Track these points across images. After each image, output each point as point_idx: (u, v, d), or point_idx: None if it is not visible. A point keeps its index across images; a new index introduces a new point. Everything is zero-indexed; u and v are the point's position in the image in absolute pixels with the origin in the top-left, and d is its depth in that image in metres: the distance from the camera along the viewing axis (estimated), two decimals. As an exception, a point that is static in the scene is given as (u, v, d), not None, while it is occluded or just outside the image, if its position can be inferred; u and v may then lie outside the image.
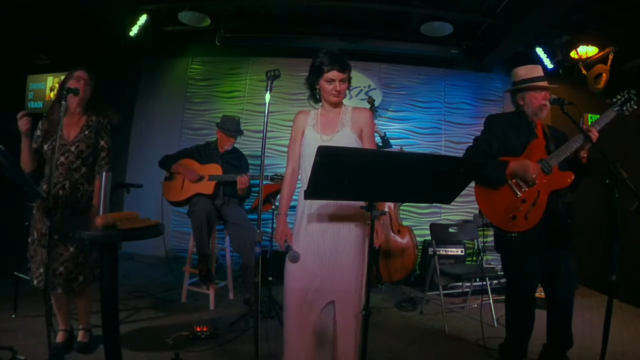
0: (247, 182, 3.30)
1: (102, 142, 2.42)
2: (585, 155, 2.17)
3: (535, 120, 2.29)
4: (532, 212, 2.16)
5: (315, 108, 2.08)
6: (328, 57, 1.90)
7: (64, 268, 2.24)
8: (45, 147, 2.30)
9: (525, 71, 2.30)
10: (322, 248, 1.89)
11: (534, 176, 2.14)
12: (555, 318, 2.25)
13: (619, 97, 2.15)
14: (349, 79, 1.97)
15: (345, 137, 1.94)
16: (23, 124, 2.20)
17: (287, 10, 4.60)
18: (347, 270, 1.90)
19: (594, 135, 2.09)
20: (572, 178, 2.17)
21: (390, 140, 4.42)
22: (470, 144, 2.38)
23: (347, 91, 2.01)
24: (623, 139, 3.59)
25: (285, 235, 1.95)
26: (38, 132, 2.33)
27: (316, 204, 1.91)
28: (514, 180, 2.21)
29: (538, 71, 2.29)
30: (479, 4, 4.11)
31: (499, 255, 2.44)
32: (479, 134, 2.42)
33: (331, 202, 1.90)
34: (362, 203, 1.94)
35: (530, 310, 2.27)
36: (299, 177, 2.05)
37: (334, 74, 1.89)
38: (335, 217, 1.91)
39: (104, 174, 1.99)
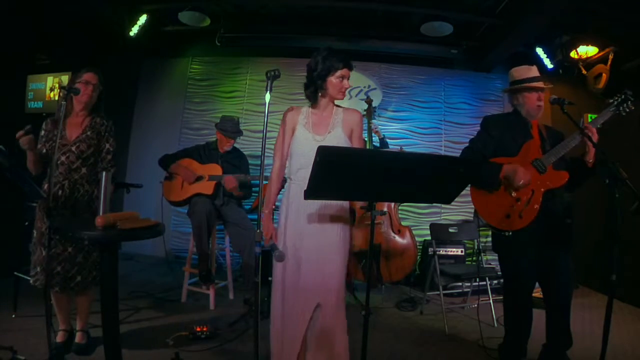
0: (235, 181, 3.30)
1: (107, 145, 2.42)
2: (591, 160, 2.15)
3: (530, 120, 2.29)
4: (526, 211, 2.16)
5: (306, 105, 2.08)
6: (338, 55, 1.93)
7: (62, 267, 2.24)
8: (47, 147, 2.31)
9: (520, 72, 2.31)
10: (310, 247, 1.90)
11: (520, 183, 2.13)
12: (554, 318, 2.25)
13: (616, 97, 2.16)
14: None
15: (337, 138, 1.96)
16: (24, 142, 2.18)
17: (287, 10, 4.60)
18: (332, 269, 1.91)
19: (593, 134, 2.08)
20: (567, 178, 2.18)
21: (391, 140, 4.41)
22: (467, 145, 2.38)
23: (346, 91, 2.03)
24: (623, 139, 3.59)
25: (270, 233, 1.97)
26: (42, 133, 2.34)
27: (304, 203, 1.89)
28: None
29: (533, 72, 2.30)
30: (479, 4, 4.11)
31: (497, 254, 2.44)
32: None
33: (318, 201, 1.90)
34: (347, 203, 1.95)
35: (527, 309, 2.27)
36: (285, 175, 2.05)
37: (345, 71, 1.93)
38: (321, 216, 1.92)
39: (103, 174, 1.98)
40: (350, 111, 2.04)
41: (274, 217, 2.14)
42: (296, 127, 1.99)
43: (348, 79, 1.96)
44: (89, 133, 2.35)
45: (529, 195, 2.17)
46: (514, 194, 2.18)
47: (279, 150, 2.04)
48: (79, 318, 2.43)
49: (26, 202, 2.88)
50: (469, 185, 2.26)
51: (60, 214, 2.24)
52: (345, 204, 1.99)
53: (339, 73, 1.91)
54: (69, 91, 2.22)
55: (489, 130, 2.32)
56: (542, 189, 2.17)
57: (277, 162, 2.05)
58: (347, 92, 2.03)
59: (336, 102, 2.04)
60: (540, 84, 2.26)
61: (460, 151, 2.42)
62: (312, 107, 2.02)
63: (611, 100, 2.18)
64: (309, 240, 1.90)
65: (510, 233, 2.18)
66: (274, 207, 2.07)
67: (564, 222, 2.28)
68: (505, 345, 2.37)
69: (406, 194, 1.84)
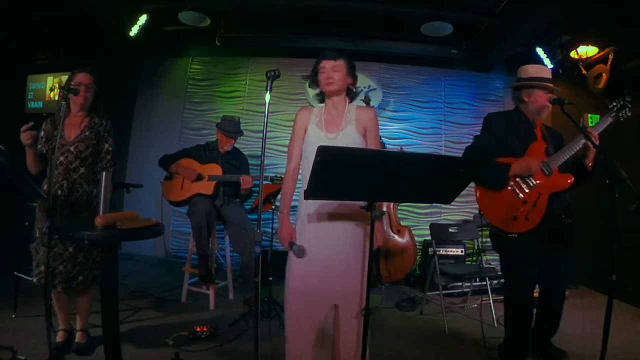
0: (251, 182, 3.32)
1: (106, 145, 2.42)
2: (590, 164, 2.17)
3: (535, 119, 2.29)
4: (532, 213, 2.16)
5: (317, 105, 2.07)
6: (322, 53, 1.96)
7: (63, 267, 2.24)
8: (46, 147, 2.31)
9: (535, 69, 2.31)
10: (327, 248, 1.87)
11: (536, 170, 2.15)
12: (547, 307, 2.31)
13: (615, 104, 2.18)
14: (351, 72, 1.97)
15: (349, 136, 1.93)
16: (26, 137, 2.18)
17: (287, 10, 4.60)
18: (350, 271, 1.88)
19: (595, 139, 2.09)
20: (572, 180, 2.18)
21: (391, 140, 4.42)
22: (469, 144, 2.38)
23: (353, 87, 2.01)
24: (623, 140, 3.59)
25: (289, 234, 1.93)
26: (42, 133, 2.34)
27: (319, 203, 1.89)
28: (515, 181, 2.21)
29: (547, 73, 2.32)
30: (479, 4, 4.11)
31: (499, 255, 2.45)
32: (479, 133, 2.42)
33: (334, 201, 1.89)
34: (362, 203, 1.94)
35: (528, 309, 2.27)
36: (300, 175, 2.03)
37: (324, 63, 1.93)
38: (338, 217, 1.90)
39: (103, 174, 1.98)
40: (364, 109, 2.03)
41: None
42: (308, 127, 1.97)
43: (335, 70, 1.92)
44: (87, 133, 2.35)
45: (535, 198, 2.17)
46: (521, 197, 2.19)
47: (292, 151, 2.01)
48: (79, 318, 2.43)
49: (26, 202, 2.88)
50: (473, 185, 2.26)
51: (60, 213, 2.24)
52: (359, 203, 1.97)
53: (319, 69, 1.94)
54: (68, 91, 2.23)
55: (492, 129, 2.32)
56: (549, 192, 2.18)
57: (290, 164, 2.01)
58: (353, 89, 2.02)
59: (340, 98, 2.02)
60: (552, 86, 2.27)
61: (461, 151, 2.42)
62: (324, 106, 2.02)
63: (610, 107, 2.20)
64: (329, 242, 1.88)
65: (516, 235, 2.18)
66: (290, 209, 2.04)
67: (564, 222, 2.28)
68: (506, 345, 2.37)
69: (406, 194, 1.84)
